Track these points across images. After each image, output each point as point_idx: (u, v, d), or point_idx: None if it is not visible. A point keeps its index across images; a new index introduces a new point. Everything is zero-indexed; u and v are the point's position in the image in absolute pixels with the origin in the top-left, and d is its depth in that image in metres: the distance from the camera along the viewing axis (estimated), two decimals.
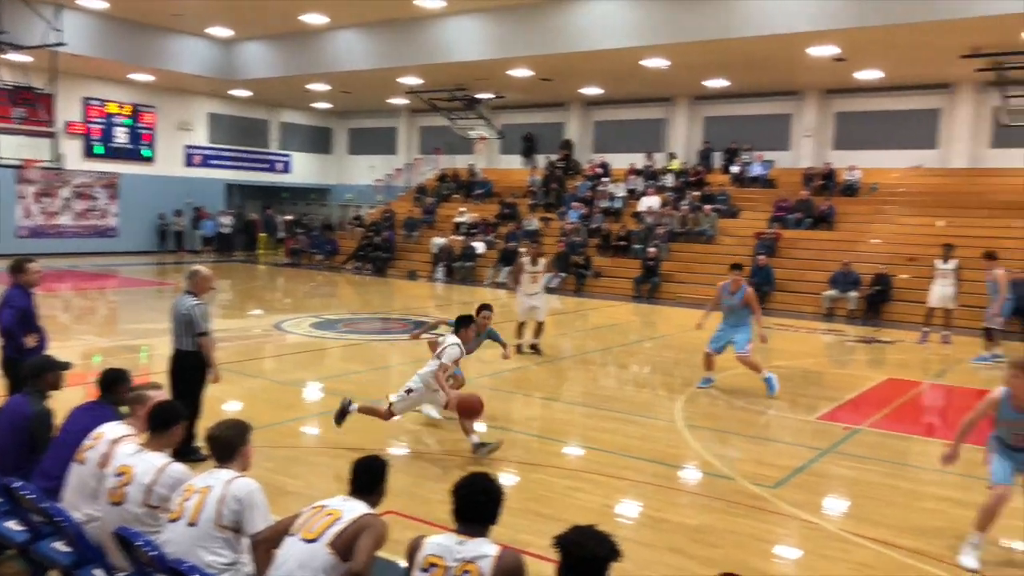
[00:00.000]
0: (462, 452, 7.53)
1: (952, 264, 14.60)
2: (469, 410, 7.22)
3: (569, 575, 3.01)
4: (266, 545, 3.72)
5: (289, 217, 32.66)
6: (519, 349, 12.24)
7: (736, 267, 10.45)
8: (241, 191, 34.14)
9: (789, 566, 5.50)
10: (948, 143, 23.05)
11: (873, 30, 17.24)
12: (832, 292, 18.73)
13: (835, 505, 6.60)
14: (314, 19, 23.19)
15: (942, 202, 21.41)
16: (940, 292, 14.66)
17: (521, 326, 12.50)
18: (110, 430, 4.46)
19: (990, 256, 13.28)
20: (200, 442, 5.84)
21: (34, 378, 5.20)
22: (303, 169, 35.86)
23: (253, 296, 20.74)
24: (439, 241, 25.58)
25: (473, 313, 8.37)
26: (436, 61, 23.00)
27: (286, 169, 35.26)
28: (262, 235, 32.01)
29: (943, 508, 6.46)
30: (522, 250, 13.00)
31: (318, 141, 36.50)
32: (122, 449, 4.24)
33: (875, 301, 18.29)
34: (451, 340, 7.54)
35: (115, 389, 5.00)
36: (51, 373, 5.24)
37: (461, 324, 7.75)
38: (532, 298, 12.34)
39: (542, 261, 12.69)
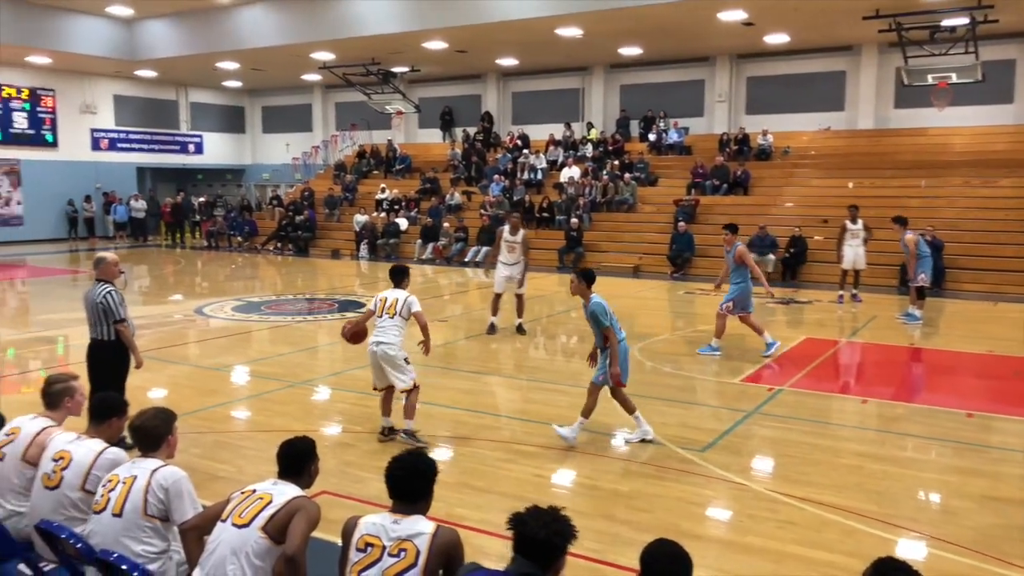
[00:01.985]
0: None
1: (860, 224, 15.09)
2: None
3: (518, 554, 3.02)
4: (196, 533, 3.67)
5: (203, 199, 31.75)
6: (491, 329, 12.14)
7: (727, 227, 11.04)
8: (153, 174, 33.02)
9: (719, 527, 5.65)
10: (854, 105, 23.81)
11: None
12: (751, 255, 19.17)
13: (760, 465, 6.81)
14: None
15: (851, 163, 22.18)
16: (852, 253, 15.15)
17: (497, 300, 12.30)
18: (27, 424, 4.38)
19: (900, 221, 13.67)
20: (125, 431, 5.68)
21: None
22: (216, 150, 34.84)
23: (172, 281, 20.15)
24: (361, 218, 25.26)
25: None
26: (348, 35, 22.58)
27: (198, 150, 34.20)
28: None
29: (861, 463, 6.72)
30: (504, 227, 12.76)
31: (231, 120, 35.46)
32: (59, 436, 4.20)
33: (791, 263, 18.88)
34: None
35: None
36: None
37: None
38: (509, 268, 12.12)
39: (522, 232, 12.34)
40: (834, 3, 18.22)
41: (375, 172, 29.77)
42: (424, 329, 7.09)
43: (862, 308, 14.85)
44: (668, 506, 5.80)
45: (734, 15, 19.40)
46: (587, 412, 7.05)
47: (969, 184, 20.13)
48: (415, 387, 7.00)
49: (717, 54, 25.14)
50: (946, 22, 17.74)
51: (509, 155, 26.98)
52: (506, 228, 12.37)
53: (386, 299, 7.06)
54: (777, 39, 22.36)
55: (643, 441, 7.10)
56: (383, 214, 25.72)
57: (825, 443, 7.31)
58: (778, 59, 24.54)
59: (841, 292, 15.40)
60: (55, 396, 4.55)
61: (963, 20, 17.51)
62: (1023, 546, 5.14)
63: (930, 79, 19.26)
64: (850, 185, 21.01)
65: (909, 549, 5.14)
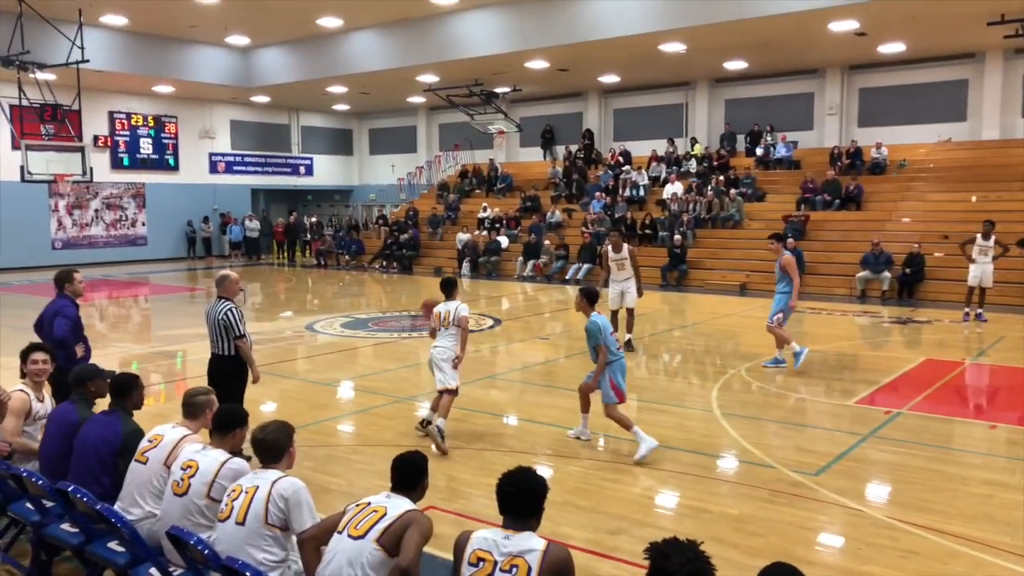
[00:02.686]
0: (499, 446, 7.54)
1: (992, 240, 14.37)
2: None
3: None
4: (313, 543, 3.77)
5: (314, 219, 32.92)
6: (628, 345, 12.10)
7: (773, 236, 11.09)
8: (266, 195, 34.44)
9: (835, 554, 5.40)
10: (977, 115, 22.65)
11: (894, 2, 16.96)
12: (865, 273, 18.48)
13: (879, 491, 6.50)
14: (329, 22, 23.30)
15: (974, 176, 21.06)
16: (979, 270, 14.43)
17: (614, 316, 12.29)
18: (169, 431, 4.64)
19: None
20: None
21: (79, 386, 5.31)
22: (325, 171, 36.07)
23: (283, 298, 20.89)
24: (463, 237, 25.61)
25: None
26: (452, 58, 23.01)
27: (309, 172, 35.48)
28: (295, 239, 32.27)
29: (991, 492, 6.33)
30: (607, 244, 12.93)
31: (339, 143, 36.67)
32: (189, 446, 4.43)
33: (908, 281, 18.05)
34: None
35: (129, 395, 5.09)
36: (94, 381, 5.33)
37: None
38: (620, 284, 12.20)
39: (625, 247, 12.36)
40: (955, 9, 17.43)
41: (477, 191, 30.17)
42: (462, 335, 7.63)
43: (988, 328, 14.05)
44: (780, 531, 5.59)
45: (846, 25, 18.80)
46: (627, 425, 7.19)
47: None
48: (454, 391, 7.56)
49: (827, 66, 24.41)
50: None
51: (610, 172, 26.87)
52: (609, 248, 12.34)
53: (440, 313, 7.75)
54: (892, 48, 21.54)
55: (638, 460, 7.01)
56: (484, 232, 26.01)
57: (950, 470, 6.92)
58: (893, 69, 23.62)
59: (967, 310, 14.66)
60: (198, 407, 4.79)
61: None
62: None
63: None
64: (973, 199, 19.97)
65: None
